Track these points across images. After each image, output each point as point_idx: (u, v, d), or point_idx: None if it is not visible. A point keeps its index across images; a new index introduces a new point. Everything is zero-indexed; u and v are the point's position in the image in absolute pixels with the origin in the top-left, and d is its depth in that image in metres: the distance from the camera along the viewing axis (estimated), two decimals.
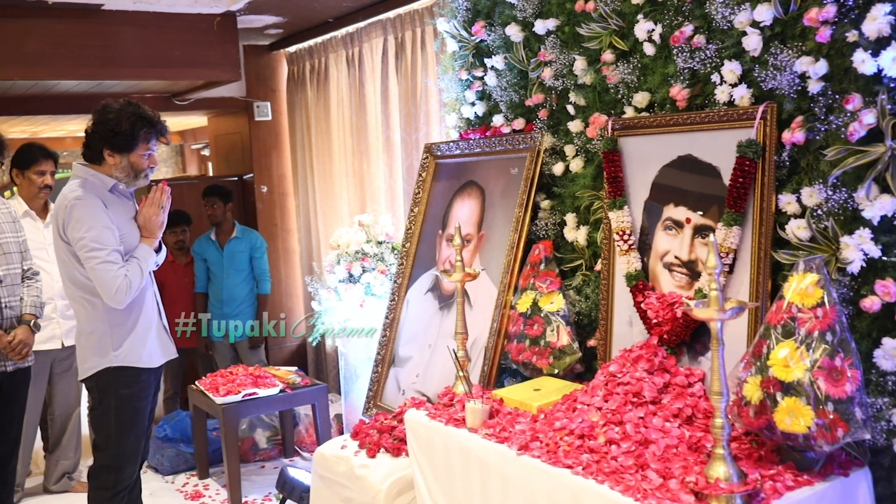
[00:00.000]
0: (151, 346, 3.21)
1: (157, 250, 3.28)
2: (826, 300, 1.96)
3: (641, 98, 2.73)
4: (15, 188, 4.57)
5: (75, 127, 8.45)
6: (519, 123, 3.26)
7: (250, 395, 4.25)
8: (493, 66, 3.32)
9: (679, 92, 2.58)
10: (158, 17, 4.90)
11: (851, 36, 2.09)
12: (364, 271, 4.58)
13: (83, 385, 3.24)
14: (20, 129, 8.11)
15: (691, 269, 2.56)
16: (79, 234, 3.00)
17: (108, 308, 3.08)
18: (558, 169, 3.10)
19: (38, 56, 4.66)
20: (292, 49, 6.14)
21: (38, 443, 4.72)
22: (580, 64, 2.94)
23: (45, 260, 4.40)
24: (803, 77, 2.23)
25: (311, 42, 5.86)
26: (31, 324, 3.72)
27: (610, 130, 2.80)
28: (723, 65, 2.44)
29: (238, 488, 4.27)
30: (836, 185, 2.16)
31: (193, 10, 4.95)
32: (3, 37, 4.50)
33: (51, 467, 4.67)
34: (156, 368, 3.25)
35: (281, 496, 3.92)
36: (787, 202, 2.28)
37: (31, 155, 4.40)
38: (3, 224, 3.73)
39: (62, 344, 4.43)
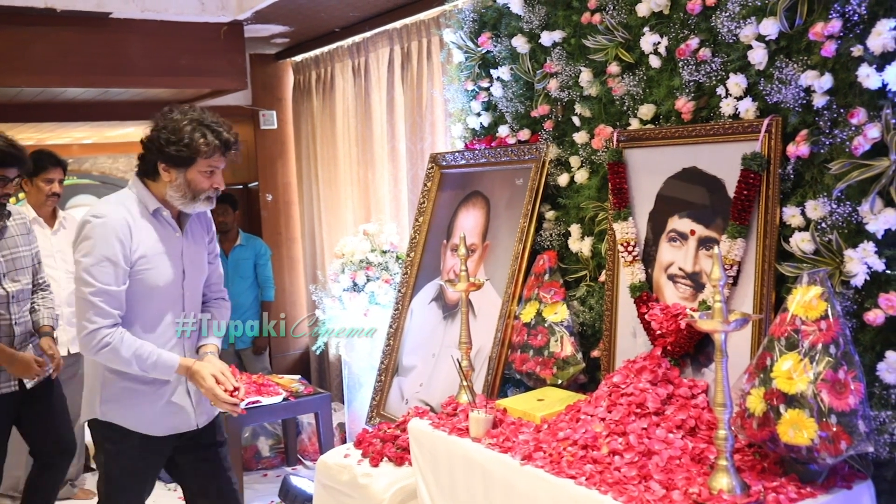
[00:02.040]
0: (156, 413, 2.73)
1: (183, 374, 2.72)
2: (830, 313, 1.96)
3: (647, 110, 2.74)
4: (22, 195, 4.59)
5: (81, 134, 8.49)
6: (524, 134, 3.27)
7: (253, 403, 4.26)
8: (498, 77, 3.33)
9: (684, 104, 2.59)
10: (166, 26, 4.93)
11: (856, 51, 2.10)
12: (368, 280, 4.59)
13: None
14: (27, 136, 8.15)
15: (695, 281, 2.57)
16: (77, 255, 2.61)
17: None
18: (563, 180, 3.11)
19: (46, 63, 4.69)
20: (298, 58, 6.17)
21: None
22: (586, 76, 2.95)
23: (53, 267, 4.41)
24: (808, 91, 2.24)
25: (317, 51, 5.89)
26: (52, 336, 3.65)
27: (615, 142, 2.81)
28: (728, 78, 2.45)
29: (241, 497, 4.26)
30: (840, 198, 2.17)
31: (201, 19, 4.98)
32: (10, 44, 4.53)
33: None
34: (159, 437, 2.76)
35: None
36: (792, 215, 2.29)
37: (40, 162, 4.42)
38: (18, 237, 3.59)
39: (68, 351, 4.44)
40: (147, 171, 2.69)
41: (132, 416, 2.71)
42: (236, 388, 2.67)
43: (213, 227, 2.96)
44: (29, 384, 3.53)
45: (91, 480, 4.94)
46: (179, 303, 2.76)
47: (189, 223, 2.79)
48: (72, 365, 4.53)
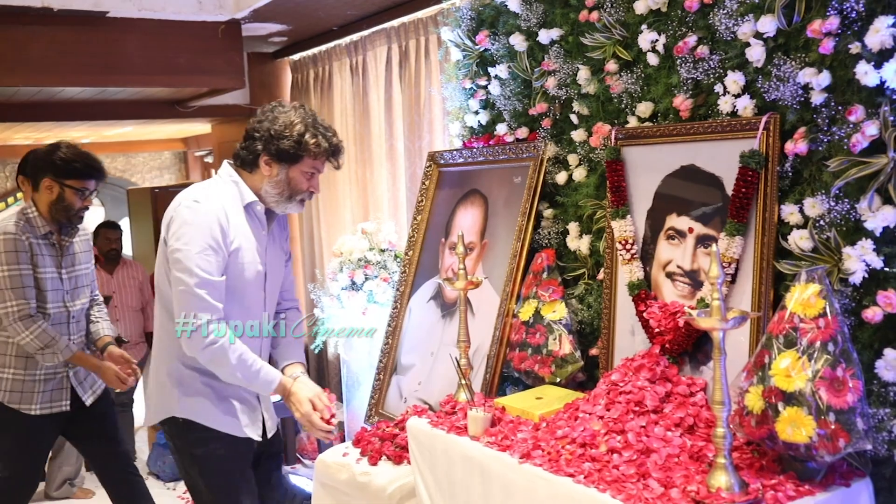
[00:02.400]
0: (235, 409, 2.60)
1: (279, 394, 2.65)
2: (828, 310, 1.96)
3: (645, 108, 2.74)
4: (19, 195, 4.58)
5: (79, 134, 8.48)
6: (522, 132, 3.27)
7: None
8: (496, 75, 3.33)
9: (682, 102, 2.59)
10: (163, 25, 4.92)
11: (854, 48, 2.10)
12: (367, 279, 4.59)
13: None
14: (24, 136, 8.14)
15: (693, 279, 2.57)
16: (175, 243, 2.44)
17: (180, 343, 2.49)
18: (561, 178, 3.11)
19: (43, 63, 4.69)
20: (296, 57, 6.16)
21: None
22: (584, 73, 2.95)
23: None
24: (806, 88, 2.24)
25: (315, 50, 5.88)
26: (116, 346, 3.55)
27: (613, 140, 2.81)
28: (726, 75, 2.45)
29: None
30: (838, 195, 2.16)
31: (198, 17, 4.98)
32: (8, 43, 4.53)
33: (53, 473, 4.67)
34: (244, 441, 2.63)
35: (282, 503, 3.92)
36: (790, 213, 2.29)
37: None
38: (81, 254, 3.45)
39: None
40: (246, 162, 2.58)
41: (217, 414, 2.56)
42: (332, 415, 2.61)
43: (289, 229, 2.89)
44: (89, 399, 3.43)
45: (90, 479, 4.94)
46: (261, 304, 2.66)
47: (273, 223, 2.70)
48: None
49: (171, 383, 2.56)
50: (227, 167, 2.62)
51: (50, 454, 4.69)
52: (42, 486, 4.72)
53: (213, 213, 2.46)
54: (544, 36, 3.08)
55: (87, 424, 3.44)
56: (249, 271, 2.56)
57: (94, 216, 10.77)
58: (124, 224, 10.76)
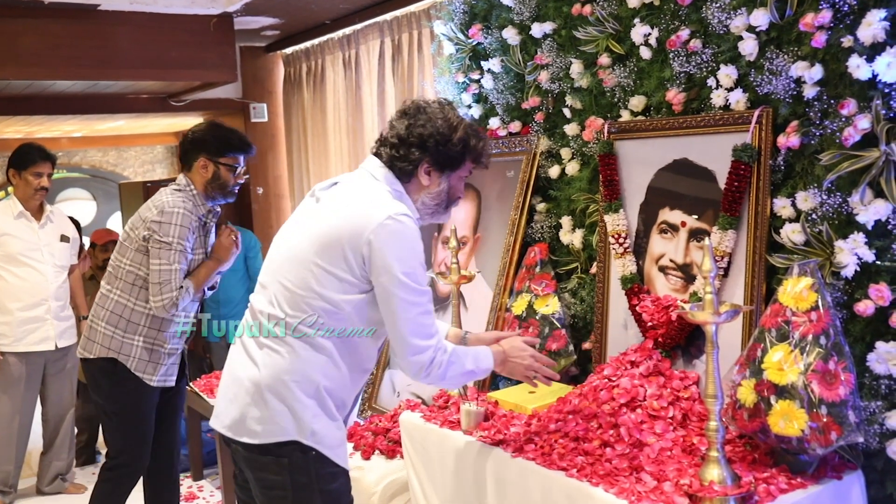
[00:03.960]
0: (344, 439, 2.24)
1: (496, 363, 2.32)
2: (820, 304, 1.97)
3: (637, 102, 2.73)
4: (10, 189, 4.57)
5: (71, 128, 8.44)
6: (515, 126, 3.27)
7: None
8: (489, 69, 3.32)
9: (675, 96, 2.59)
10: (155, 18, 4.90)
11: (846, 41, 2.10)
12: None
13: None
14: (15, 130, 8.10)
15: (686, 273, 2.57)
16: (404, 267, 2.06)
17: (333, 353, 2.13)
18: (554, 172, 3.11)
19: (34, 56, 4.66)
20: (289, 51, 6.14)
21: (32, 444, 4.71)
22: (577, 67, 2.95)
23: (39, 261, 4.39)
24: (799, 82, 2.24)
25: (307, 44, 5.86)
26: None
27: (606, 134, 2.81)
28: (719, 69, 2.45)
29: (232, 490, 4.25)
30: (830, 189, 2.17)
31: (190, 11, 4.96)
32: None
33: (44, 468, 4.65)
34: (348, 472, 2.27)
35: None
36: (782, 206, 2.29)
37: (30, 156, 4.39)
38: (209, 238, 3.35)
39: (55, 345, 4.42)
40: (402, 172, 2.19)
41: (339, 442, 2.18)
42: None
43: None
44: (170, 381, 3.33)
45: (79, 474, 4.93)
46: None
47: None
48: (59, 359, 4.51)
49: (301, 400, 2.12)
50: (383, 172, 2.21)
51: (42, 449, 4.69)
52: (34, 481, 4.70)
53: (416, 229, 2.14)
54: (537, 30, 3.07)
55: (171, 400, 3.46)
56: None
57: (82, 210, 10.75)
58: (116, 218, 10.76)
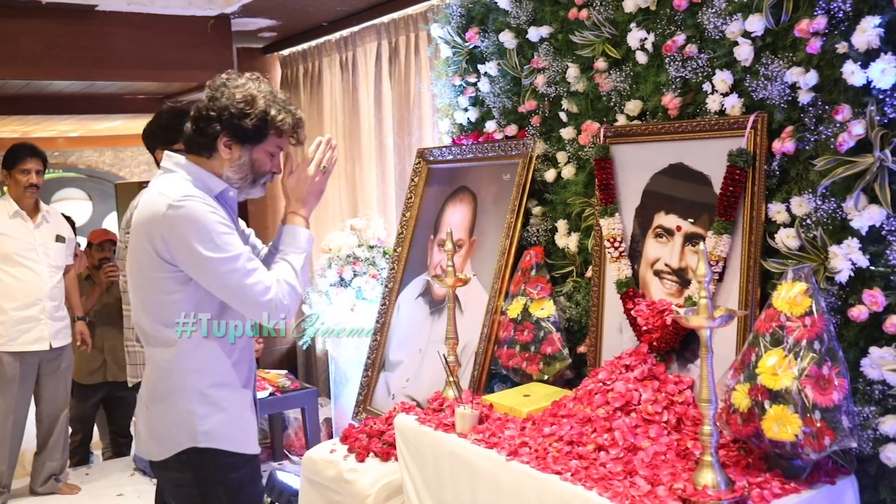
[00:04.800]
0: (249, 424, 2.33)
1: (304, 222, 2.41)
2: (814, 309, 1.97)
3: (633, 106, 2.74)
4: (5, 188, 4.57)
5: (67, 127, 8.44)
6: (511, 130, 3.27)
7: None
8: (486, 73, 3.33)
9: (671, 100, 2.59)
10: (152, 19, 4.90)
11: (841, 47, 2.10)
12: (355, 275, 4.59)
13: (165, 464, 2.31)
14: (11, 129, 8.10)
15: (681, 277, 2.58)
16: (201, 248, 2.11)
17: (198, 363, 2.21)
18: (550, 175, 3.11)
19: (31, 56, 4.67)
20: (286, 52, 6.15)
21: (26, 444, 4.70)
22: (573, 71, 2.95)
23: (34, 261, 4.39)
24: (794, 87, 2.25)
25: (304, 45, 5.87)
26: None
27: (602, 138, 2.81)
28: (714, 74, 2.46)
29: None
30: (825, 194, 2.17)
31: (188, 12, 4.96)
32: None
33: (37, 469, 4.65)
34: (255, 456, 2.36)
35: (269, 500, 3.92)
36: (777, 211, 2.30)
37: (17, 154, 4.40)
38: None
39: (50, 345, 4.42)
40: (201, 147, 2.24)
41: (233, 432, 2.26)
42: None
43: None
44: None
45: (73, 475, 4.92)
46: None
47: None
48: (53, 360, 4.51)
49: (189, 406, 2.22)
50: (175, 157, 2.27)
51: (35, 449, 4.68)
52: (27, 481, 4.70)
53: (205, 201, 2.17)
54: (534, 33, 3.08)
55: None
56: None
57: (78, 210, 10.74)
58: (112, 218, 10.74)
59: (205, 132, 2.23)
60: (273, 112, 2.22)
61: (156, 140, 3.12)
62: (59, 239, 4.56)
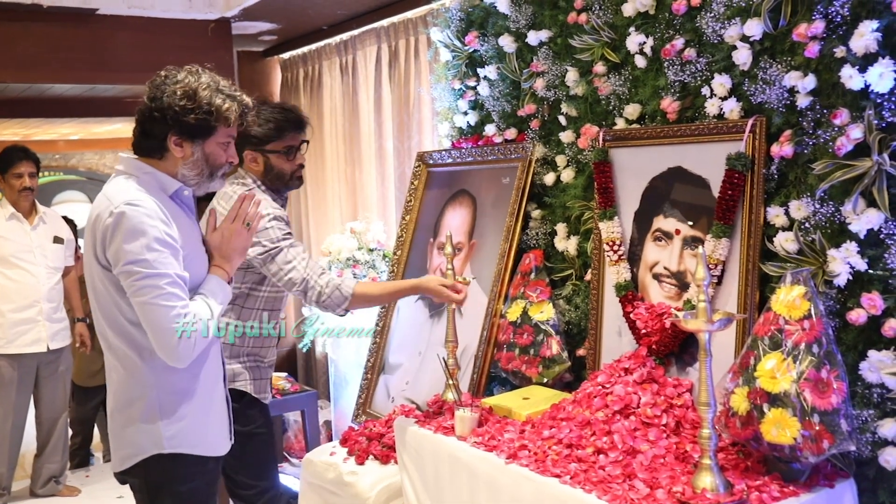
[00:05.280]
0: (216, 425, 2.32)
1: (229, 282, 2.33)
2: (813, 312, 1.98)
3: (632, 110, 2.75)
4: (1, 193, 4.58)
5: (68, 130, 8.45)
6: (511, 133, 3.28)
7: None
8: (485, 76, 3.33)
9: (670, 104, 2.60)
10: (153, 23, 4.91)
11: (839, 52, 2.11)
12: (355, 278, 4.59)
13: (122, 476, 2.30)
14: (12, 132, 8.10)
15: (680, 280, 2.58)
16: (129, 256, 2.06)
17: (159, 368, 2.17)
18: (549, 179, 3.12)
19: (33, 59, 4.68)
20: (286, 56, 6.15)
21: (26, 446, 4.70)
22: (572, 75, 2.96)
23: (32, 263, 4.39)
24: (792, 91, 2.25)
25: (304, 49, 5.87)
26: None
27: (601, 141, 2.82)
28: (713, 78, 2.46)
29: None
30: (823, 198, 2.18)
31: (188, 15, 4.97)
32: None
33: (37, 471, 4.65)
34: (220, 457, 2.36)
35: None
36: (776, 215, 2.30)
37: (9, 158, 4.41)
38: None
39: (48, 347, 4.42)
40: (151, 149, 2.19)
41: (200, 435, 2.25)
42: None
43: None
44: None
45: (73, 477, 4.93)
46: None
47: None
48: (52, 362, 4.51)
49: (153, 412, 2.19)
50: (128, 161, 2.22)
51: (35, 451, 4.68)
52: (27, 483, 4.70)
53: (152, 209, 2.11)
54: (533, 37, 3.08)
55: None
56: (202, 269, 2.27)
57: (78, 213, 10.75)
58: None
59: (152, 134, 2.19)
60: (218, 102, 2.17)
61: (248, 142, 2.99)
62: (57, 240, 4.56)
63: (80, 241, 5.16)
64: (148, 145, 2.20)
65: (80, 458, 5.27)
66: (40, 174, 4.59)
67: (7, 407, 4.40)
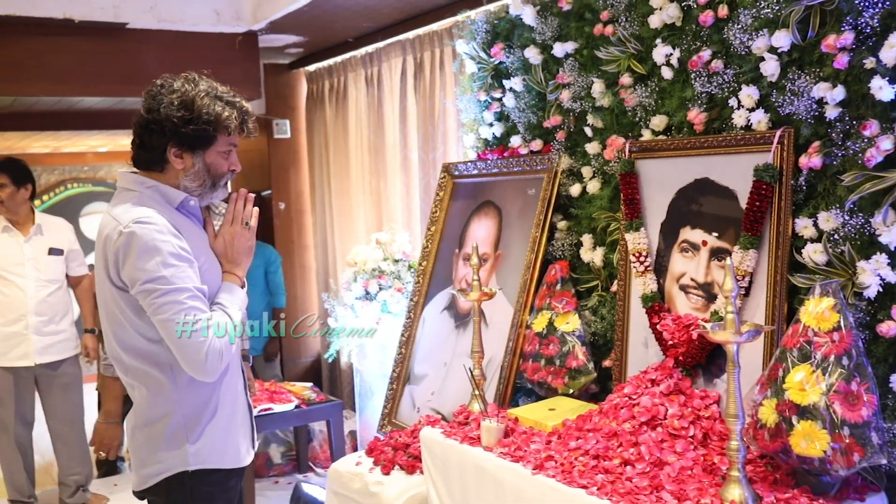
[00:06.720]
0: (240, 435, 2.27)
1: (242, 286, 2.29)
2: (842, 324, 1.97)
3: (659, 121, 2.75)
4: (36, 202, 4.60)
5: (97, 142, 8.56)
6: (536, 145, 3.29)
7: (265, 410, 4.27)
8: (511, 88, 3.35)
9: (696, 116, 2.60)
10: (181, 36, 4.98)
11: (869, 63, 2.10)
12: (381, 289, 4.61)
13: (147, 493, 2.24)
14: (43, 144, 8.22)
15: (707, 292, 2.57)
16: (145, 275, 2.01)
17: (184, 383, 2.13)
18: (575, 190, 3.12)
19: (64, 73, 4.75)
20: (312, 68, 6.20)
21: (51, 456, 4.71)
22: (598, 87, 2.97)
23: (21, 276, 4.35)
24: (820, 103, 2.25)
25: (330, 61, 5.92)
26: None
27: (627, 153, 2.82)
28: (740, 89, 2.46)
29: (252, 503, 4.28)
30: (852, 210, 2.17)
31: (216, 29, 5.03)
32: (29, 53, 4.59)
33: (63, 481, 4.66)
34: (242, 469, 2.31)
35: None
36: (804, 226, 2.29)
37: None
38: None
39: (34, 362, 4.38)
40: (151, 162, 2.15)
41: (224, 447, 2.21)
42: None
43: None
44: None
45: (102, 485, 4.96)
46: None
47: None
48: (50, 375, 4.43)
49: (179, 430, 2.16)
50: (128, 176, 2.18)
51: (56, 462, 4.67)
52: (57, 491, 4.74)
53: (162, 224, 2.07)
54: (559, 49, 3.10)
55: None
56: (216, 280, 2.22)
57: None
58: None
59: (150, 146, 2.14)
60: (217, 110, 2.11)
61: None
62: (54, 252, 4.47)
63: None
64: (147, 158, 2.17)
65: (108, 466, 5.30)
66: (70, 185, 4.60)
67: (9, 418, 4.39)
